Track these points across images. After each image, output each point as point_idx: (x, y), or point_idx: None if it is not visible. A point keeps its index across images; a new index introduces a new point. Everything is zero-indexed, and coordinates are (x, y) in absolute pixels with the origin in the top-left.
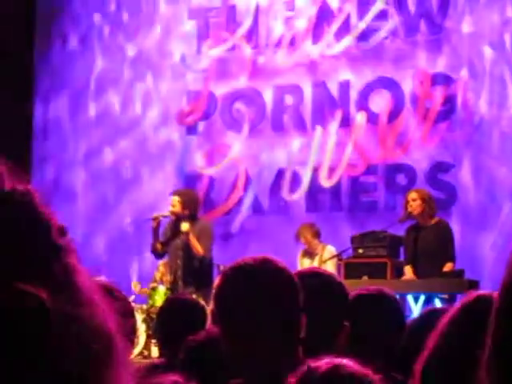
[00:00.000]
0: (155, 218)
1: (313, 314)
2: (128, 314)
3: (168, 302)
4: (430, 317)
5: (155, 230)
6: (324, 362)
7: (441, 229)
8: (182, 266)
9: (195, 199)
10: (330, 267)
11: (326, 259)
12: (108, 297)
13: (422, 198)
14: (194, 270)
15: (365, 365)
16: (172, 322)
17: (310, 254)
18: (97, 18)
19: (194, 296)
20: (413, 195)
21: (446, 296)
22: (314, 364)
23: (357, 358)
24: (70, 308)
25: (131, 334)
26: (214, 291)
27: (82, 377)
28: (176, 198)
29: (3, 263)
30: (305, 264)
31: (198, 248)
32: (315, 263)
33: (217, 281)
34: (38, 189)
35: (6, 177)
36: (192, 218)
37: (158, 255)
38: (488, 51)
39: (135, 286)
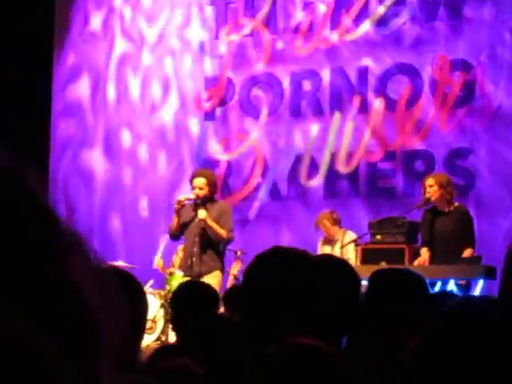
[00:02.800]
0: (179, 202)
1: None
2: (138, 302)
3: (180, 287)
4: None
5: (178, 213)
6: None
7: (461, 215)
8: (197, 252)
9: (217, 180)
10: (351, 252)
11: (346, 244)
12: (117, 285)
13: (439, 183)
14: (209, 256)
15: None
16: (184, 307)
17: (330, 241)
18: (118, 1)
19: (207, 280)
20: (430, 181)
21: (463, 282)
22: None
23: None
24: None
25: (140, 322)
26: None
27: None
28: (203, 181)
29: None
30: (325, 251)
31: (221, 232)
32: (336, 250)
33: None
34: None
35: None
36: (211, 200)
37: (175, 237)
38: (508, 37)
39: (158, 262)
